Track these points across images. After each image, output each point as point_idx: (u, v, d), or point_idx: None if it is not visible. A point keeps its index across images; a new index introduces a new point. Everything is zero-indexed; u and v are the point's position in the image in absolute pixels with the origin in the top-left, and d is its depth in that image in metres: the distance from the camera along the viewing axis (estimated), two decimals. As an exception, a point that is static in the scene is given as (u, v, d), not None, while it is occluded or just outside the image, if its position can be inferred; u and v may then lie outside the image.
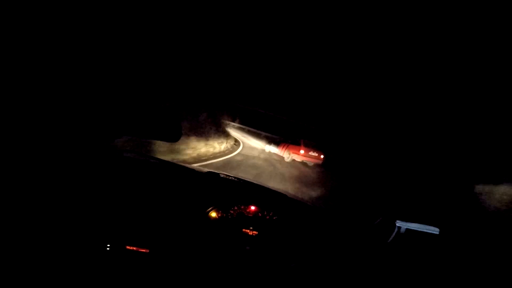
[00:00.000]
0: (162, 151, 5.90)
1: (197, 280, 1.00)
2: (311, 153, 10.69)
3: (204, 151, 7.95)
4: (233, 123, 14.12)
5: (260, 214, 1.27)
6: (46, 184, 1.00)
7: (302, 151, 10.51)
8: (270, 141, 13.53)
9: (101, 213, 1.02)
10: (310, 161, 10.85)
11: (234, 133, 15.42)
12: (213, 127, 9.74)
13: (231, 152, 10.02)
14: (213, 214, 1.19)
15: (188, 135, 7.27)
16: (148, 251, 0.98)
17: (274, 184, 5.91)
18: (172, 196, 1.19)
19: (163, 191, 1.20)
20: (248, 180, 1.62)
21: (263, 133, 15.24)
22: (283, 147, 11.67)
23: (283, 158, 11.30)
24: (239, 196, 1.34)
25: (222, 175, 1.54)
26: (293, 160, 10.85)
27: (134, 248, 0.97)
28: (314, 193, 6.15)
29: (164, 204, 1.14)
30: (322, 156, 10.93)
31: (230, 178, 1.56)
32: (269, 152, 12.78)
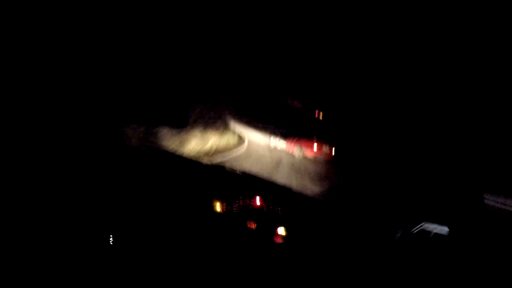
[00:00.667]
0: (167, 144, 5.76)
1: (201, 271, 0.98)
2: (325, 148, 9.85)
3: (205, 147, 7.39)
4: (234, 116, 13.06)
5: (264, 207, 1.27)
6: (51, 175, 1.04)
7: (315, 146, 9.64)
8: (277, 134, 12.55)
9: (105, 204, 1.01)
10: (322, 157, 10.01)
11: (237, 127, 14.41)
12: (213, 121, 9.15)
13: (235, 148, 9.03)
14: (218, 206, 1.19)
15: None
16: (153, 242, 0.96)
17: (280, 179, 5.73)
18: (178, 188, 1.21)
19: (169, 183, 1.22)
20: (253, 173, 1.63)
21: (268, 126, 14.25)
22: (291, 142, 10.76)
23: (291, 154, 10.44)
24: (244, 188, 1.37)
25: (227, 168, 1.61)
26: (304, 156, 9.99)
27: (139, 240, 0.95)
28: (318, 188, 6.03)
29: (170, 196, 1.15)
30: (333, 152, 10.12)
31: (235, 171, 1.58)
32: (275, 148, 11.91)
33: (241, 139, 12.02)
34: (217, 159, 6.55)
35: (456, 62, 9.01)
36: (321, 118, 12.60)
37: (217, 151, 7.67)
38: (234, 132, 11.61)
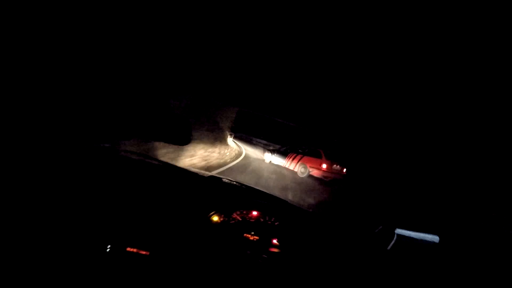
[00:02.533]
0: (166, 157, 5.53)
1: (197, 284, 0.97)
2: (334, 167, 8.52)
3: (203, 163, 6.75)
4: (232, 133, 11.76)
5: (261, 219, 1.28)
6: (46, 185, 1.01)
7: (324, 166, 8.29)
8: (272, 150, 11.09)
9: (102, 214, 1.01)
10: (330, 177, 8.66)
11: (235, 142, 12.90)
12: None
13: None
14: (215, 218, 1.19)
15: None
16: (148, 253, 0.96)
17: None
18: (174, 199, 1.20)
19: (165, 193, 1.22)
20: (250, 185, 1.64)
21: (262, 141, 12.93)
22: (293, 159, 9.37)
23: (293, 171, 9.02)
24: (241, 201, 1.36)
25: (224, 180, 1.59)
26: (310, 174, 8.59)
27: (135, 250, 0.95)
28: (313, 200, 5.93)
29: (166, 207, 1.14)
30: (344, 171, 8.83)
31: (232, 182, 1.60)
32: (270, 163, 10.46)
33: (238, 153, 10.63)
34: (214, 171, 6.09)
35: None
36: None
37: (215, 164, 6.98)
38: (232, 146, 10.74)
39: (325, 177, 8.41)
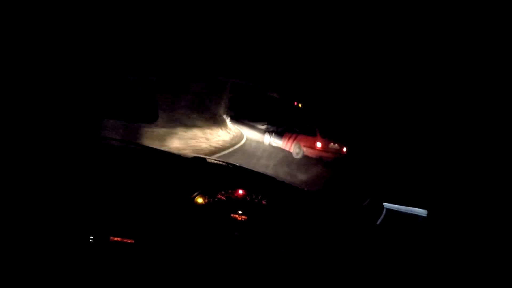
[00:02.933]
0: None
1: (185, 268, 0.97)
2: (331, 146, 7.64)
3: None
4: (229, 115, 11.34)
5: (248, 198, 1.25)
6: (21, 175, 0.97)
7: (319, 144, 7.44)
8: (271, 131, 10.37)
9: (82, 203, 0.98)
10: (329, 157, 7.80)
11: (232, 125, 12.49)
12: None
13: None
14: (200, 200, 1.16)
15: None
16: (133, 241, 0.94)
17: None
18: (156, 182, 1.16)
19: (147, 178, 1.18)
20: (235, 164, 1.62)
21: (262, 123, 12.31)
22: (288, 139, 8.60)
23: (290, 153, 8.29)
24: (226, 180, 1.33)
25: (209, 160, 1.55)
26: (305, 155, 7.80)
27: (119, 239, 0.93)
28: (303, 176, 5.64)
29: (148, 192, 1.11)
30: (344, 149, 7.91)
31: (217, 162, 1.58)
32: (270, 145, 9.80)
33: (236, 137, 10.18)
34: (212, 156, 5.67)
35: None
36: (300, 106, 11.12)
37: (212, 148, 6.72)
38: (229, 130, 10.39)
39: (321, 157, 7.58)
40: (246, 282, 1.01)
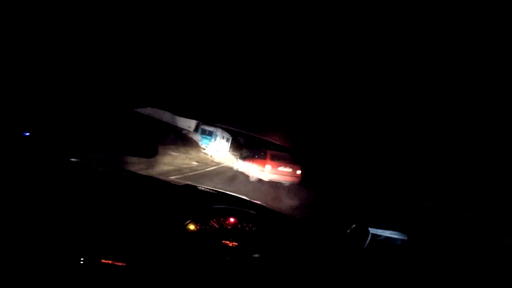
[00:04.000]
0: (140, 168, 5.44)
1: None
2: (283, 169, 7.62)
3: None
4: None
5: (239, 226, 1.29)
6: (17, 199, 0.98)
7: (268, 167, 7.46)
8: (239, 157, 10.54)
9: (76, 227, 1.00)
10: (285, 180, 7.73)
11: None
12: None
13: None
14: (191, 227, 1.19)
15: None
16: (125, 264, 0.96)
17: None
18: (149, 209, 1.18)
19: (140, 204, 1.19)
20: (226, 192, 1.63)
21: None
22: (248, 163, 8.69)
23: (248, 176, 8.32)
24: (218, 208, 1.34)
25: (200, 188, 1.55)
26: (259, 180, 7.79)
27: (110, 262, 0.95)
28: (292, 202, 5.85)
29: (141, 218, 1.13)
30: (299, 172, 7.85)
31: (208, 190, 1.57)
32: (237, 170, 9.88)
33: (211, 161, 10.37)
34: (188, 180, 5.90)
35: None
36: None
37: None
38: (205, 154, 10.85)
39: (272, 180, 7.55)
40: None
